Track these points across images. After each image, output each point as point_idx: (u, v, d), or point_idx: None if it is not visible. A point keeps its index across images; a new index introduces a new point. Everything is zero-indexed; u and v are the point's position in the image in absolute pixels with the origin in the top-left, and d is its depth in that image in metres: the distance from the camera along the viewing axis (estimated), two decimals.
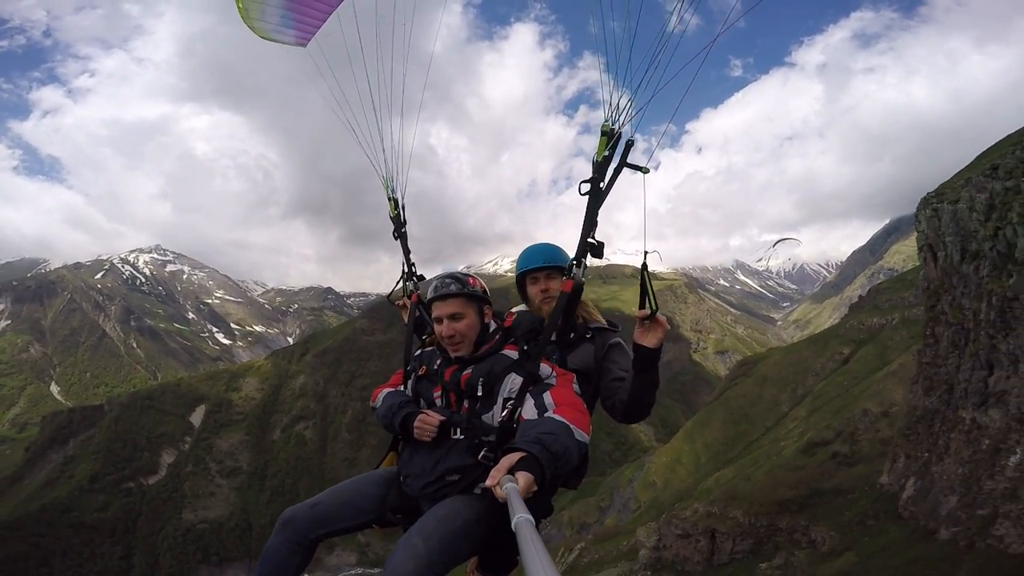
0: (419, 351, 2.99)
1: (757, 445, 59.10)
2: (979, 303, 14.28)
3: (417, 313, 3.38)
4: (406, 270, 3.70)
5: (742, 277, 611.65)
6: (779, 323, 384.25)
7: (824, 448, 39.85)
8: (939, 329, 16.78)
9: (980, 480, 13.49)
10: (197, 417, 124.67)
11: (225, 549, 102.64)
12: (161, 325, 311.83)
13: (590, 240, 2.73)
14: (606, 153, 2.71)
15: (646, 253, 2.62)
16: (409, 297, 3.56)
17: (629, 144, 2.70)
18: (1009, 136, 22.47)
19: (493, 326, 2.76)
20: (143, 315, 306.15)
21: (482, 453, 2.42)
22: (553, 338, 2.85)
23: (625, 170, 2.68)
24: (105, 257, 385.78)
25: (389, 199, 3.77)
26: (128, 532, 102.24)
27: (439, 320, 2.65)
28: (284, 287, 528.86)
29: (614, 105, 2.70)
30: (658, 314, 2.60)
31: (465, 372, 2.62)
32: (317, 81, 3.79)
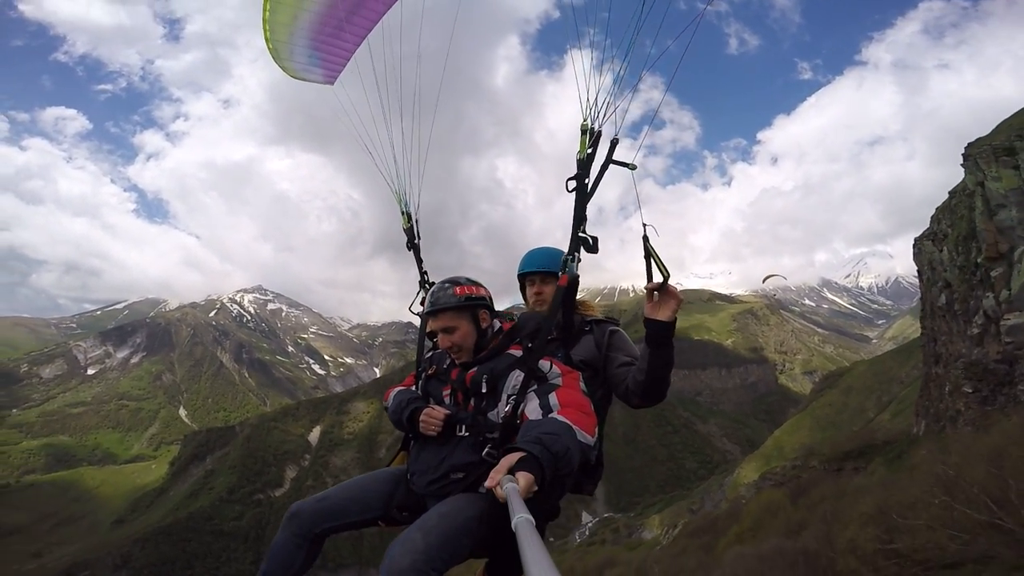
0: (430, 352, 3.02)
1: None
2: (936, 305, 22.47)
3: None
4: (419, 280, 3.76)
5: (830, 295, 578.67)
6: (874, 341, 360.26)
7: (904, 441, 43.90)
8: (927, 322, 24.83)
9: (939, 407, 21.64)
10: (314, 437, 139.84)
11: (340, 556, 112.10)
12: (267, 358, 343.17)
13: (581, 234, 2.75)
14: (589, 151, 2.72)
15: (645, 225, 2.51)
16: (423, 304, 3.55)
17: (614, 142, 2.68)
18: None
19: (497, 326, 2.78)
20: (252, 349, 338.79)
21: (486, 450, 2.44)
22: (555, 335, 2.88)
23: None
24: (215, 297, 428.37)
25: (402, 213, 3.85)
26: (258, 539, 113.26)
27: (433, 334, 2.70)
28: (367, 323, 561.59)
29: (591, 102, 2.67)
30: (669, 283, 2.45)
31: (471, 371, 2.64)
32: (342, 113, 3.88)
